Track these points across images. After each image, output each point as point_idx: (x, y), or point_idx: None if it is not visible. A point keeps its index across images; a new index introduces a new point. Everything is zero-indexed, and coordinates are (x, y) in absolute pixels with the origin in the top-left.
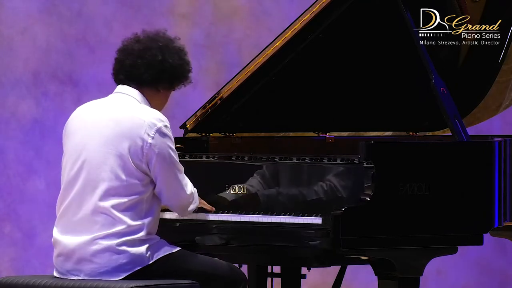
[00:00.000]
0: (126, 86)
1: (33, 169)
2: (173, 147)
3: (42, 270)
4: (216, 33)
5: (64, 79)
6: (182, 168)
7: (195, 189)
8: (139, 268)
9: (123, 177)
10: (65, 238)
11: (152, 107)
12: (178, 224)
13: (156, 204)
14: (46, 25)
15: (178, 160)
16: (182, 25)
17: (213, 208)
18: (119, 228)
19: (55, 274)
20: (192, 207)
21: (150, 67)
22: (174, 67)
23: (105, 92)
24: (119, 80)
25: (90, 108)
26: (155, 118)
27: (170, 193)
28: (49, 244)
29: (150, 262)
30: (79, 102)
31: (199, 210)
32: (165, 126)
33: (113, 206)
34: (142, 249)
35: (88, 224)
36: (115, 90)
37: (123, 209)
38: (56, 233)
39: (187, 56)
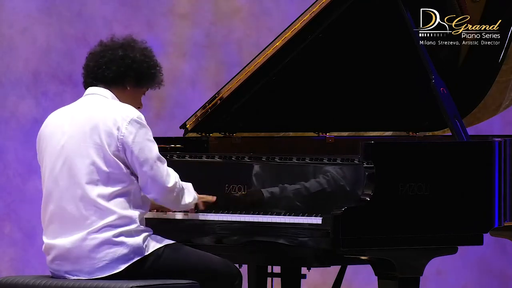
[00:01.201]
0: (94, 87)
1: (33, 169)
2: (149, 137)
3: (42, 270)
4: (216, 33)
5: (64, 79)
6: (162, 159)
7: (188, 184)
8: (137, 258)
9: (105, 168)
10: (58, 241)
11: None
12: (177, 223)
13: (144, 198)
14: (46, 25)
15: (156, 151)
16: (182, 25)
17: (214, 197)
18: (110, 218)
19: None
20: (186, 200)
21: (112, 63)
22: (136, 62)
23: None
24: (87, 84)
25: (61, 113)
26: (127, 110)
27: (150, 184)
28: None
29: (148, 253)
30: None
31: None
32: (138, 117)
33: (99, 197)
34: (139, 239)
35: (79, 221)
36: (85, 93)
37: (109, 199)
38: (47, 240)
39: (154, 56)
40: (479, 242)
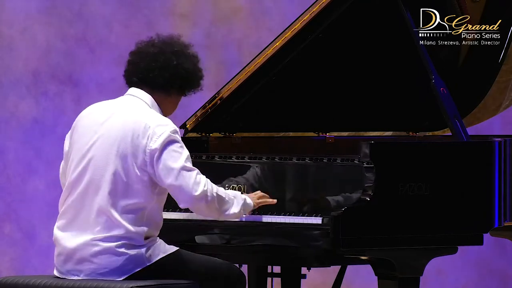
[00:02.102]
0: (138, 90)
1: (33, 169)
2: (177, 149)
3: (42, 270)
4: (216, 33)
5: (64, 79)
6: (189, 168)
7: (235, 192)
8: (139, 269)
9: (125, 179)
10: (65, 236)
11: (162, 112)
12: (177, 224)
13: (160, 213)
14: (46, 25)
15: (182, 161)
16: (182, 25)
17: (274, 200)
18: (117, 232)
19: (55, 273)
20: (231, 210)
21: (164, 70)
22: (188, 72)
23: (105, 92)
24: (131, 83)
25: (100, 108)
26: (162, 123)
27: (178, 194)
28: (49, 244)
29: (150, 264)
30: (79, 102)
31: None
32: (171, 131)
33: (113, 207)
34: (142, 251)
35: (89, 225)
36: (127, 92)
37: (123, 211)
38: (57, 231)
39: (200, 63)
40: (479, 242)
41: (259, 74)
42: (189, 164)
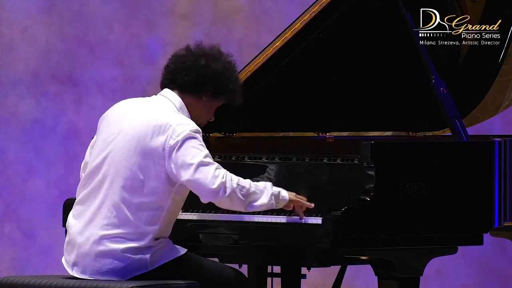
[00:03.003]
0: (170, 91)
1: (33, 169)
2: (196, 145)
3: (42, 270)
4: (216, 33)
5: (64, 79)
6: (207, 163)
7: (266, 182)
8: (142, 272)
9: (142, 177)
10: (76, 224)
11: (192, 117)
12: (179, 224)
13: (174, 213)
14: (46, 25)
15: (200, 157)
16: (182, 25)
17: (312, 204)
18: (126, 230)
19: (63, 261)
20: (259, 201)
21: (191, 70)
22: (216, 73)
23: (105, 92)
24: (164, 85)
25: (131, 104)
26: (183, 122)
27: (197, 189)
28: (49, 244)
29: (153, 268)
30: (79, 102)
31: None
32: (192, 130)
33: (126, 205)
34: (146, 256)
35: (99, 218)
36: (160, 92)
37: (137, 209)
38: (70, 217)
39: (236, 71)
40: (479, 242)
41: (259, 74)
42: (208, 160)
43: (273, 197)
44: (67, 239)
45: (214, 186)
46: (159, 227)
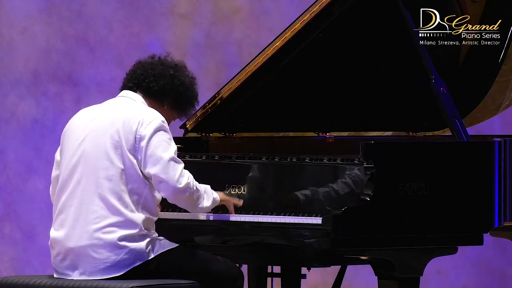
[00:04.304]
0: (132, 92)
1: (33, 169)
2: (167, 139)
3: (42, 270)
4: (216, 33)
5: (64, 79)
6: (178, 161)
7: (207, 186)
8: (139, 263)
9: (119, 165)
10: (64, 233)
11: None
12: (177, 224)
13: (154, 202)
14: (46, 25)
15: (171, 153)
16: (182, 25)
17: (241, 200)
18: (115, 219)
19: (55, 275)
20: (204, 204)
21: (160, 78)
22: (183, 85)
23: (105, 92)
24: (128, 88)
25: (89, 110)
26: (152, 112)
27: (162, 183)
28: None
29: (150, 258)
30: (79, 102)
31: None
32: (162, 121)
33: (110, 192)
34: (142, 244)
35: (86, 214)
36: (119, 94)
37: (120, 198)
38: (53, 232)
39: (197, 89)
40: (479, 242)
41: (259, 74)
42: (177, 157)
43: (212, 201)
44: (55, 252)
45: (181, 186)
46: (144, 214)
